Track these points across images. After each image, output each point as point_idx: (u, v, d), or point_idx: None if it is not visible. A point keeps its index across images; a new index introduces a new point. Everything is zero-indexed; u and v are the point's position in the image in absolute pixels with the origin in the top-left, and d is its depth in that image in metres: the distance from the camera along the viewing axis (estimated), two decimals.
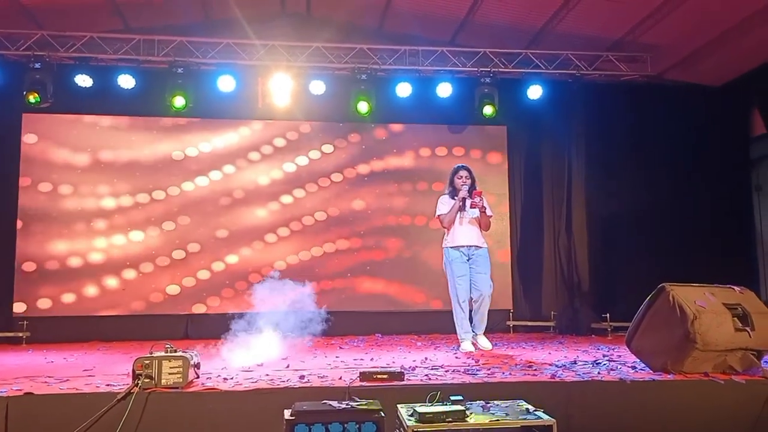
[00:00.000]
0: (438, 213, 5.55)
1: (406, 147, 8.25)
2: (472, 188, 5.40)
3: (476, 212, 5.40)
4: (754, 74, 7.72)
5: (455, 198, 5.45)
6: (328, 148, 8.12)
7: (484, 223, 5.48)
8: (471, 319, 5.51)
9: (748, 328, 3.51)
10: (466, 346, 5.39)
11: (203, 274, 7.72)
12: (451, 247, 5.44)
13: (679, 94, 8.24)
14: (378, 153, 8.20)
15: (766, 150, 8.10)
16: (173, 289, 7.64)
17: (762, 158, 8.22)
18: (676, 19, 6.88)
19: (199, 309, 7.64)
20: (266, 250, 7.85)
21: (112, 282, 7.53)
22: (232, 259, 7.78)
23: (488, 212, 5.45)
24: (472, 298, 5.45)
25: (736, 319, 3.53)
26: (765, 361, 3.71)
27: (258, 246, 7.84)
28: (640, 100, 8.12)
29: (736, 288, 3.80)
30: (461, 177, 5.47)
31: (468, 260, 5.42)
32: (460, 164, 5.66)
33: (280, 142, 8.07)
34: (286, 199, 7.97)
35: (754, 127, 8.17)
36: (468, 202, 5.36)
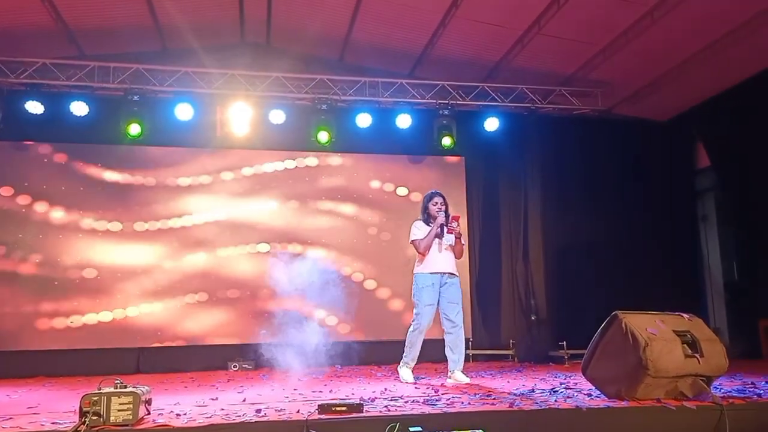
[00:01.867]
0: (413, 238, 5.31)
1: (366, 177, 8.30)
2: (447, 214, 5.27)
3: (452, 239, 5.25)
4: (698, 110, 8.12)
5: (430, 224, 5.29)
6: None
7: (458, 251, 5.33)
8: (446, 356, 5.28)
9: (697, 355, 3.59)
10: (406, 374, 5.27)
11: (153, 308, 7.52)
12: (427, 273, 5.24)
13: (629, 128, 8.57)
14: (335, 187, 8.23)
15: (710, 182, 8.46)
16: (122, 323, 7.41)
17: (707, 190, 8.59)
18: (623, 58, 7.21)
19: (151, 342, 7.41)
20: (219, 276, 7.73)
21: (59, 315, 7.26)
22: (184, 291, 7.62)
23: (462, 240, 5.34)
24: (444, 330, 5.27)
25: (685, 345, 3.61)
26: (714, 387, 3.81)
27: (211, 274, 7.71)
28: (592, 134, 8.41)
29: (684, 315, 3.89)
30: (436, 203, 5.29)
31: (440, 288, 5.25)
32: (434, 190, 5.45)
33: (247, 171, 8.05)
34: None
35: (699, 160, 8.55)
36: (445, 229, 5.22)
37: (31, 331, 7.17)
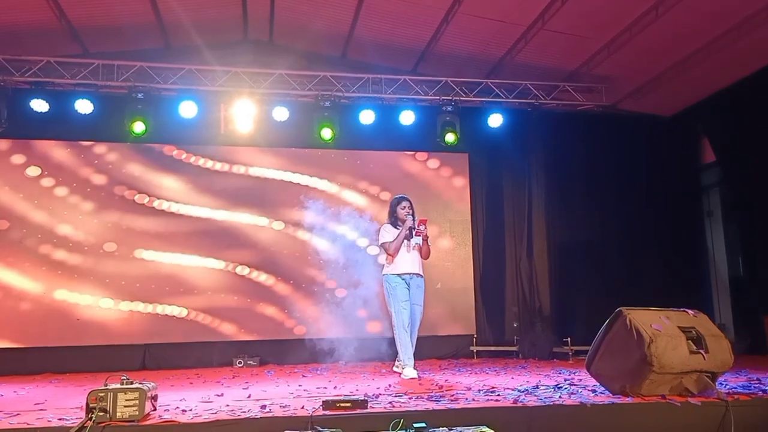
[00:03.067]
0: (383, 241, 5.62)
1: (370, 174, 8.30)
2: (414, 218, 5.57)
3: (420, 241, 5.57)
4: (703, 105, 8.07)
5: (398, 227, 5.57)
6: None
7: (425, 252, 5.64)
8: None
9: (702, 351, 3.59)
10: (410, 372, 5.35)
11: (156, 307, 7.54)
12: (395, 274, 5.54)
13: (633, 124, 8.54)
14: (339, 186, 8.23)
15: (715, 177, 8.42)
16: (128, 320, 7.44)
17: (712, 185, 8.55)
18: (628, 53, 7.17)
19: (156, 339, 7.44)
20: (225, 280, 7.76)
21: (65, 312, 7.30)
22: (187, 292, 7.65)
23: (429, 241, 5.65)
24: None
25: (690, 342, 3.61)
26: (719, 383, 3.81)
27: (218, 275, 7.74)
28: (596, 129, 8.38)
29: (690, 311, 3.89)
30: (404, 207, 5.61)
31: (408, 288, 5.55)
32: (401, 195, 5.78)
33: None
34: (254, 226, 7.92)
35: (704, 155, 8.51)
36: (413, 231, 5.53)
37: (38, 329, 7.21)
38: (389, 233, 5.59)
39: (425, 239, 5.56)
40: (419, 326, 5.61)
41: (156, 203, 7.70)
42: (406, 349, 5.45)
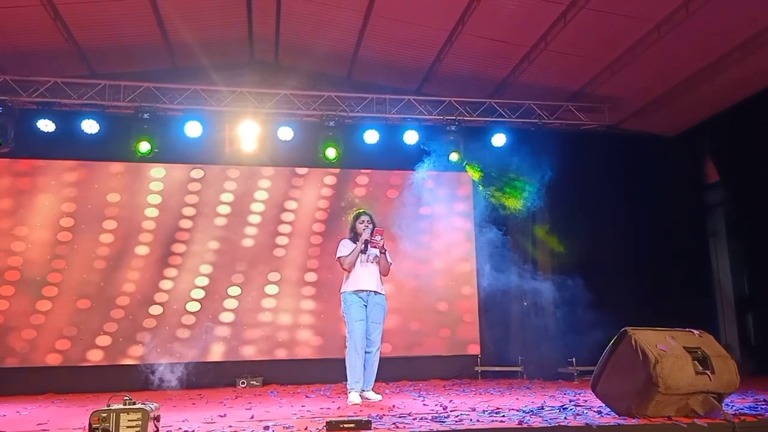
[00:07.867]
0: (338, 255, 5.35)
1: (376, 193, 8.33)
2: (372, 230, 5.28)
3: (377, 253, 5.28)
4: (706, 124, 8.09)
5: (357, 242, 5.32)
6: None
7: (383, 267, 5.35)
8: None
9: (708, 372, 3.55)
10: (354, 397, 5.00)
11: (155, 324, 7.54)
12: (351, 292, 5.24)
13: (637, 143, 8.55)
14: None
15: (719, 197, 8.41)
16: (130, 340, 7.42)
17: (716, 205, 8.53)
18: (630, 73, 7.22)
19: (159, 359, 7.42)
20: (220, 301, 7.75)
21: (65, 331, 7.29)
22: (190, 307, 7.65)
23: (388, 258, 5.38)
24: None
25: (696, 362, 3.57)
26: (726, 404, 3.77)
27: (213, 297, 7.74)
28: (600, 149, 8.39)
29: (695, 331, 3.86)
30: (363, 222, 5.34)
31: (366, 306, 5.24)
32: (361, 210, 5.52)
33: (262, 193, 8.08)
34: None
35: (708, 175, 8.50)
36: (369, 244, 5.26)
37: (39, 349, 7.19)
38: (346, 247, 5.34)
39: (383, 252, 5.29)
40: (379, 346, 5.26)
41: (162, 223, 7.73)
42: (353, 371, 5.08)
